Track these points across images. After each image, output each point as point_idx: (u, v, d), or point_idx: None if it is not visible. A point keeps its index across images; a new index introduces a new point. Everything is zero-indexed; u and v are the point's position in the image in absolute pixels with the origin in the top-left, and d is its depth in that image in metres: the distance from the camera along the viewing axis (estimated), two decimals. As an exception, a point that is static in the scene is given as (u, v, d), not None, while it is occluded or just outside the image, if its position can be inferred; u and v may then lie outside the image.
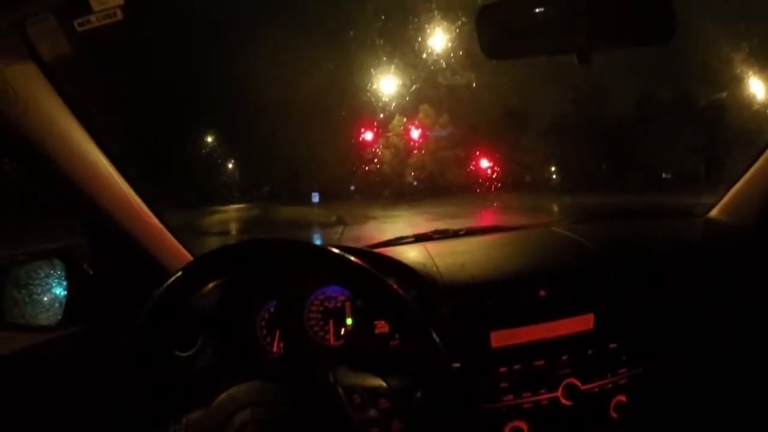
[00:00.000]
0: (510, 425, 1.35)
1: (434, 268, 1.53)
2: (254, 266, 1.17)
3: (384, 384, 1.00)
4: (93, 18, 1.23)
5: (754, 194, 1.69)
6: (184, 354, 1.39)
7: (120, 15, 1.23)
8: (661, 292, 1.54)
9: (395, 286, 0.98)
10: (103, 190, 1.36)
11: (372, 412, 0.94)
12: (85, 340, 1.39)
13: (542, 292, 1.44)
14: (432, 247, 1.73)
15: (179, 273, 1.00)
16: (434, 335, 0.96)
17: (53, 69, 1.24)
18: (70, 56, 1.27)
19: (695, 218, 1.92)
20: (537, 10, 1.15)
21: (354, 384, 0.98)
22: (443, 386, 0.96)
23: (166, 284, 0.99)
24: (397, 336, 1.49)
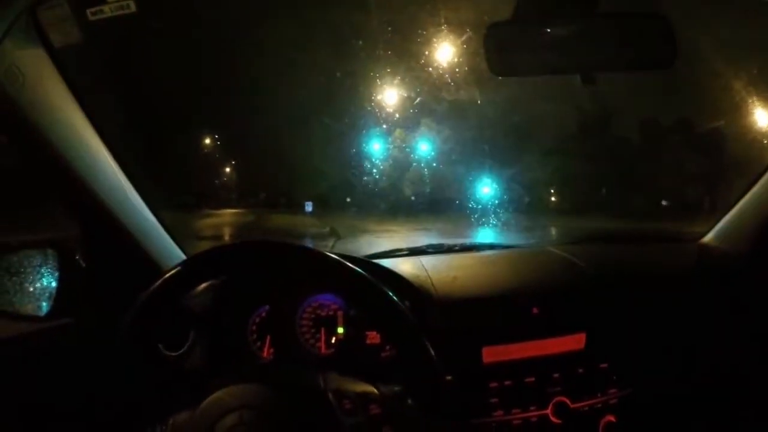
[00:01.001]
0: None
1: (428, 281, 1.53)
2: (247, 269, 1.16)
3: (375, 390, 1.00)
4: (106, 8, 1.24)
5: (748, 221, 1.71)
6: (174, 354, 1.39)
7: (133, 7, 1.23)
8: (653, 314, 1.54)
9: (391, 294, 0.97)
10: (102, 181, 1.36)
11: (362, 418, 0.92)
12: (73, 333, 1.37)
13: (535, 310, 1.44)
14: (426, 260, 1.73)
15: (171, 271, 0.99)
16: (428, 345, 0.96)
17: (62, 57, 1.25)
18: (80, 45, 1.27)
19: (689, 243, 1.93)
20: (544, 30, 1.17)
21: (345, 389, 0.96)
22: (436, 395, 0.96)
23: (157, 282, 0.98)
24: (388, 347, 1.48)
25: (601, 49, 1.20)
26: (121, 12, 1.25)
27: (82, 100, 1.32)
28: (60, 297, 1.37)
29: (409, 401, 0.98)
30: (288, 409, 0.87)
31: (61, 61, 1.24)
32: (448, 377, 1.14)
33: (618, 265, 1.73)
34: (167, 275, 0.99)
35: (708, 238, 1.86)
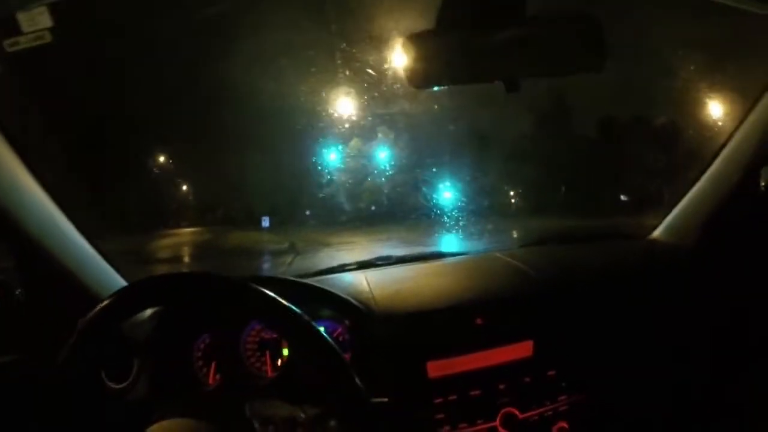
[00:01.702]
0: None
1: (370, 297, 1.51)
2: (182, 298, 1.13)
3: (301, 414, 1.01)
4: (22, 39, 1.21)
5: (694, 215, 1.75)
6: (119, 386, 1.36)
7: (49, 37, 1.21)
8: (602, 315, 1.55)
9: (299, 313, 0.95)
10: (30, 213, 1.32)
11: None
12: (15, 370, 1.34)
13: (479, 320, 1.43)
14: (372, 275, 1.72)
15: (105, 301, 0.96)
16: (347, 366, 0.94)
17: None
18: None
19: (638, 240, 1.96)
20: (462, 39, 1.14)
21: (270, 415, 0.98)
22: (358, 415, 0.94)
23: (92, 312, 0.95)
24: None
25: (524, 55, 1.17)
26: (37, 43, 1.24)
27: (6, 130, 1.28)
28: (1, 333, 1.34)
29: (332, 422, 0.99)
30: None
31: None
32: (384, 399, 1.13)
33: (566, 268, 1.74)
34: (100, 306, 0.95)
35: (657, 233, 1.90)
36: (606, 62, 1.18)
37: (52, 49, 1.27)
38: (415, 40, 1.14)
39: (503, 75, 1.19)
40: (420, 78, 1.20)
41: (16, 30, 1.23)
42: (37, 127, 1.63)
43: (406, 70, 1.15)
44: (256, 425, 0.93)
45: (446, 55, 1.16)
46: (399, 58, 1.16)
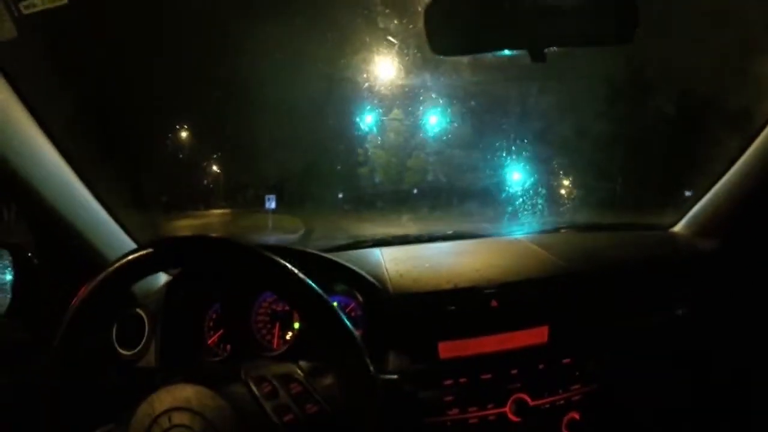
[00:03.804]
0: None
1: (384, 274, 1.49)
2: (195, 261, 1.12)
3: (297, 370, 1.02)
4: (38, 0, 1.20)
5: (719, 209, 1.70)
6: (129, 352, 1.38)
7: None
8: (621, 305, 1.51)
9: (313, 286, 0.92)
10: (46, 177, 1.32)
11: (284, 398, 0.93)
12: (28, 332, 1.36)
13: (494, 303, 1.40)
14: (388, 252, 1.69)
15: (118, 261, 0.95)
16: (356, 338, 0.92)
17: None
18: (18, 40, 1.24)
19: (661, 231, 1.91)
20: (488, 4, 1.10)
21: (264, 374, 0.97)
22: (366, 392, 0.92)
23: (104, 272, 0.94)
24: None
25: (552, 23, 1.13)
26: (54, 4, 1.23)
27: (25, 97, 1.27)
28: (17, 296, 1.34)
29: (330, 376, 0.99)
30: (211, 406, 0.85)
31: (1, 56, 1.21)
32: (393, 376, 1.11)
33: (587, 256, 1.70)
34: (115, 264, 0.94)
35: (680, 226, 1.85)
36: (635, 35, 1.13)
37: (70, 12, 1.26)
38: (437, 5, 1.10)
39: (529, 43, 1.14)
40: (442, 44, 1.17)
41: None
42: (56, 93, 1.64)
43: (427, 36, 1.12)
44: (252, 385, 0.93)
45: (469, 21, 1.12)
46: (421, 23, 1.12)
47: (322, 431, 0.94)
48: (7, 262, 1.36)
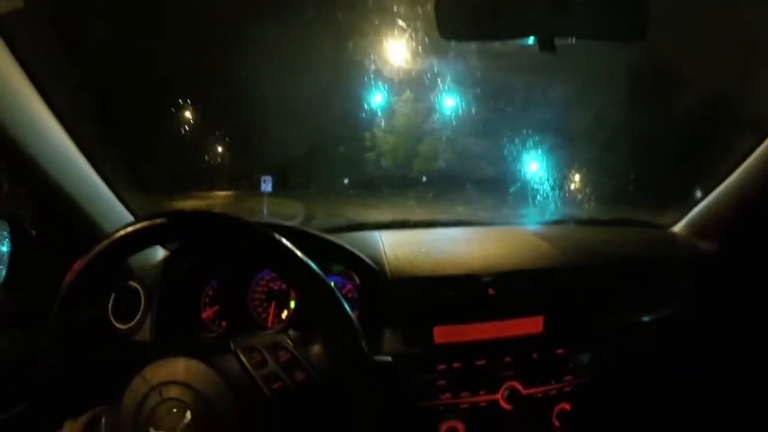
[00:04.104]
0: (446, 425, 1.31)
1: (382, 257, 1.49)
2: (193, 236, 1.12)
3: (286, 339, 1.03)
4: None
5: (720, 212, 1.70)
6: (124, 326, 1.38)
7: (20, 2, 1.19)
8: (617, 300, 1.53)
9: (310, 264, 0.92)
10: (46, 149, 1.30)
11: (273, 367, 0.94)
12: (25, 303, 1.35)
13: (491, 291, 1.40)
14: (388, 235, 1.69)
15: (116, 233, 0.94)
16: (351, 319, 0.92)
17: (6, 22, 1.19)
18: (25, 13, 1.22)
19: (661, 230, 1.91)
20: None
21: (253, 344, 0.98)
22: (360, 373, 0.92)
23: (102, 243, 0.93)
24: None
25: (563, 14, 1.11)
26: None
27: (27, 66, 1.25)
28: (13, 267, 1.34)
29: (318, 344, 1.01)
30: (202, 378, 0.86)
31: (4, 26, 1.18)
32: (387, 358, 1.12)
33: (586, 249, 1.70)
34: (113, 236, 0.93)
35: (680, 225, 1.85)
36: (648, 31, 1.12)
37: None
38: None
39: (539, 32, 1.13)
40: (451, 30, 1.16)
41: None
42: (62, 66, 1.63)
43: (437, 20, 1.11)
44: (241, 355, 0.93)
45: (479, 7, 1.11)
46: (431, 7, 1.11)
47: (311, 398, 0.95)
48: (4, 233, 1.35)
